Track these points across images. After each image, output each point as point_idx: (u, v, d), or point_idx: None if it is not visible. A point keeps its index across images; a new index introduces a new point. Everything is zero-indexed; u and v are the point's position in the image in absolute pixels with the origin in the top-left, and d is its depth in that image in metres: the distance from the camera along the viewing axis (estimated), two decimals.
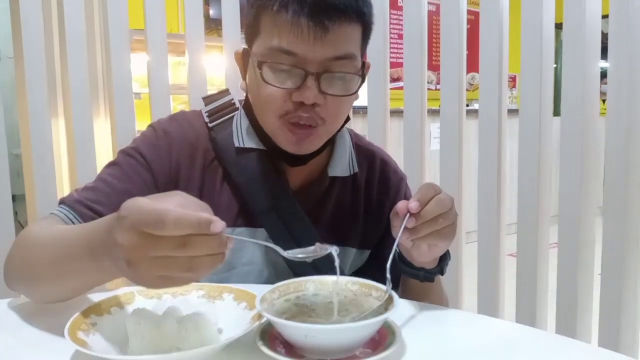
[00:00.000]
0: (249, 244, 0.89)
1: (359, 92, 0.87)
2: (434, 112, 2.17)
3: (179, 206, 0.54)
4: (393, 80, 4.02)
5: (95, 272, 0.64)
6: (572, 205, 1.47)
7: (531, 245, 1.56)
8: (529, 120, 1.56)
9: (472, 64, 1.85)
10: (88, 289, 0.72)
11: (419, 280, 0.84)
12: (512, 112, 1.81)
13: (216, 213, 0.84)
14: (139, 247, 0.52)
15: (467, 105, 1.79)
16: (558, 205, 1.51)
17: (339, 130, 0.92)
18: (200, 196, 0.86)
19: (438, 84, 1.85)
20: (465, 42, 1.69)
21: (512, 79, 4.67)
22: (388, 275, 0.68)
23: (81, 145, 1.67)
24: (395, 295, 0.64)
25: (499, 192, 1.63)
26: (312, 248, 0.65)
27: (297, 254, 0.65)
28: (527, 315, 1.58)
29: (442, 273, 0.85)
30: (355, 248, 0.98)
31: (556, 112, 1.60)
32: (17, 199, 2.06)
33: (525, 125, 1.57)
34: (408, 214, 0.71)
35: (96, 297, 0.72)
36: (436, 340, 0.68)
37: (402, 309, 0.76)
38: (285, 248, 0.86)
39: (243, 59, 0.90)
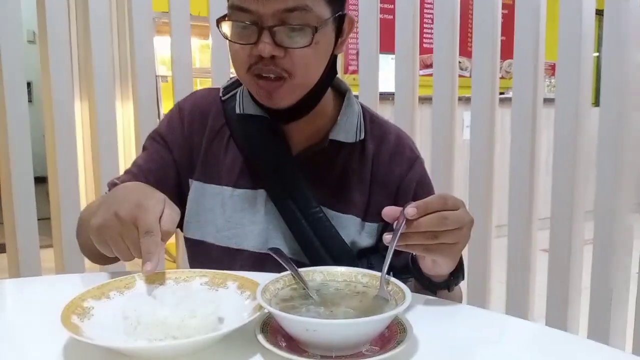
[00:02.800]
0: (249, 204, 0.93)
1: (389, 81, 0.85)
2: (467, 100, 2.09)
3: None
4: (426, 66, 3.91)
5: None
6: (608, 200, 1.39)
7: (564, 241, 1.48)
8: (565, 110, 1.48)
9: (509, 51, 1.76)
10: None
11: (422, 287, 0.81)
12: (549, 101, 1.72)
13: (221, 172, 0.96)
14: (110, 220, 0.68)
15: (502, 94, 1.71)
16: (594, 200, 1.43)
17: (325, 84, 0.91)
18: (208, 157, 0.96)
19: None
20: (499, 27, 1.60)
21: (551, 67, 4.50)
22: (383, 280, 0.64)
23: (104, 128, 1.66)
24: (407, 290, 0.60)
25: (531, 184, 1.56)
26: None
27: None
28: (558, 313, 1.50)
29: (448, 289, 0.81)
30: (359, 217, 0.94)
31: (596, 103, 1.51)
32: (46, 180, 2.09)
33: (561, 115, 1.49)
34: (404, 220, 0.66)
35: (99, 280, 0.70)
36: (450, 339, 0.63)
37: (415, 305, 0.71)
38: (285, 209, 0.92)
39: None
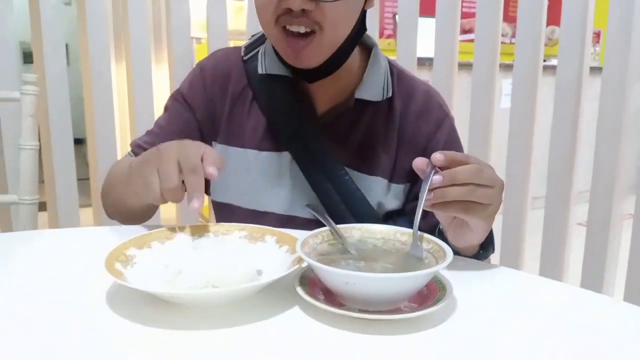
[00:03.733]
0: (274, 166, 0.92)
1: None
2: (507, 67, 2.03)
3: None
4: (465, 32, 3.80)
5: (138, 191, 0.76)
6: None
7: (604, 215, 1.44)
8: (612, 80, 1.42)
9: (553, 16, 1.70)
10: (142, 209, 0.88)
11: None
12: (594, 70, 1.66)
13: (244, 135, 0.93)
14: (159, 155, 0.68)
15: (544, 61, 1.65)
16: (637, 173, 1.38)
17: (354, 40, 0.87)
18: (230, 119, 0.94)
19: (513, 37, 1.71)
20: None
21: (596, 35, 4.32)
22: (415, 232, 0.62)
23: (140, 89, 1.67)
24: (448, 249, 0.59)
25: (572, 156, 1.51)
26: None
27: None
28: (594, 288, 1.47)
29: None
30: (385, 179, 0.92)
31: None
32: (85, 142, 2.13)
33: (607, 85, 1.43)
34: (432, 170, 0.62)
35: (138, 232, 0.71)
36: (488, 299, 0.62)
37: (453, 265, 0.70)
38: (310, 172, 0.91)
39: None
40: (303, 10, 0.76)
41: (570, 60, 1.49)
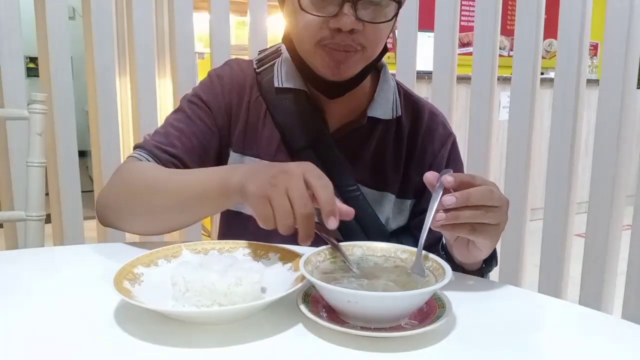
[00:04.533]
0: None
1: (427, 59, 0.83)
2: (505, 80, 2.06)
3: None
4: (463, 45, 3.83)
5: (218, 205, 0.77)
6: None
7: (602, 226, 1.45)
8: (609, 92, 1.44)
9: (551, 29, 1.72)
10: (195, 221, 0.82)
11: None
12: (591, 82, 1.67)
13: (258, 145, 0.93)
14: (275, 178, 0.63)
15: (542, 74, 1.67)
16: (636, 184, 1.40)
17: (377, 61, 0.90)
18: (246, 129, 0.94)
19: (511, 49, 1.73)
20: (544, 5, 1.56)
21: (593, 47, 4.36)
22: (420, 249, 0.63)
23: (144, 103, 1.70)
24: (447, 267, 0.60)
25: (570, 167, 1.53)
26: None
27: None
28: (592, 300, 1.48)
29: (482, 277, 0.80)
30: (394, 195, 0.95)
31: None
32: (89, 155, 2.15)
33: (605, 96, 1.45)
34: (441, 190, 0.63)
35: (146, 249, 0.73)
36: (489, 316, 0.64)
37: (454, 282, 0.72)
38: None
39: None
40: (350, 31, 0.79)
41: (568, 72, 1.51)
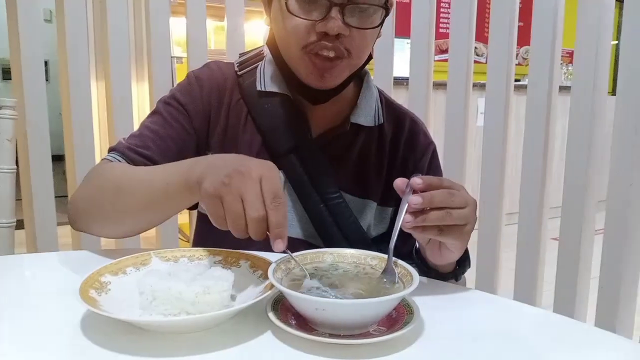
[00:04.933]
0: None
1: (403, 65, 0.84)
2: (482, 87, 2.08)
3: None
4: (442, 51, 3.86)
5: (184, 200, 0.72)
6: (622, 191, 1.38)
7: (575, 231, 1.48)
8: (581, 99, 1.47)
9: (527, 37, 1.75)
10: (166, 218, 0.80)
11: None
12: (566, 89, 1.70)
13: (239, 150, 0.91)
14: (230, 177, 0.60)
15: (519, 81, 1.69)
16: (607, 189, 1.42)
17: (361, 68, 0.90)
18: (225, 133, 0.92)
19: None
20: (517, 13, 1.59)
21: (569, 54, 4.45)
22: (390, 254, 0.65)
23: (119, 107, 1.68)
24: (415, 273, 0.61)
25: (544, 172, 1.55)
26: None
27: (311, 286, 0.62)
28: (566, 302, 1.51)
29: (456, 279, 0.80)
30: (376, 203, 0.95)
31: (613, 92, 1.49)
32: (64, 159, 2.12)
33: (576, 103, 1.47)
34: (410, 193, 0.65)
35: (115, 257, 0.72)
36: (457, 322, 0.64)
37: (424, 289, 0.72)
38: (303, 191, 0.90)
39: None
40: (337, 35, 0.79)
41: (540, 78, 1.54)
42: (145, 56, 2.37)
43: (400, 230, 0.65)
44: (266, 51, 0.95)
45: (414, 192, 0.65)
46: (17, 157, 1.66)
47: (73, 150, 1.66)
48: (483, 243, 1.66)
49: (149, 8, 1.68)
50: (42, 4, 1.63)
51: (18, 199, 1.74)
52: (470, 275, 1.72)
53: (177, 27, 2.24)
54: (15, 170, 1.10)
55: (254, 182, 0.60)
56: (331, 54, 0.81)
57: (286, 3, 0.80)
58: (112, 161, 0.86)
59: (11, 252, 1.09)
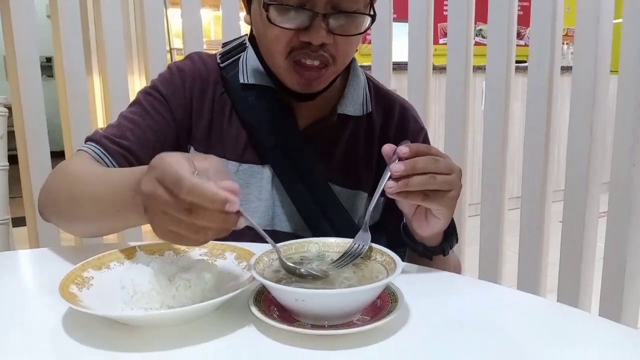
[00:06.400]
0: (255, 180, 0.90)
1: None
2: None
3: (212, 172, 0.55)
4: (446, 35, 3.81)
5: (132, 215, 0.64)
6: (625, 172, 1.35)
7: (579, 213, 1.45)
8: (583, 79, 1.44)
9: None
10: (124, 227, 0.75)
11: (417, 254, 0.79)
12: (569, 69, 1.67)
13: (225, 145, 0.89)
14: (156, 199, 0.54)
15: (525, 62, 1.66)
16: (610, 171, 1.40)
17: (348, 66, 0.88)
18: (210, 128, 0.90)
19: None
20: None
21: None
22: (366, 219, 0.66)
23: (116, 100, 1.67)
24: (398, 260, 0.59)
25: (546, 155, 1.53)
26: (313, 265, 0.61)
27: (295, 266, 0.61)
28: (571, 285, 1.49)
29: (444, 253, 0.79)
30: (367, 193, 0.93)
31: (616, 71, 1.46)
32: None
33: (578, 83, 1.44)
34: (396, 159, 0.65)
35: (100, 250, 0.71)
36: (442, 308, 0.63)
37: (409, 275, 0.71)
38: (291, 186, 0.88)
39: None
40: (321, 44, 0.77)
41: (541, 59, 1.51)
42: (135, 50, 2.36)
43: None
44: (248, 43, 0.93)
45: (400, 160, 0.65)
46: (16, 154, 1.67)
47: (71, 145, 1.67)
48: (486, 228, 1.64)
49: (142, 1, 1.67)
50: (39, 0, 1.63)
51: (19, 195, 1.75)
52: (473, 260, 1.72)
53: (178, 18, 2.23)
54: (7, 168, 1.10)
55: (162, 194, 0.53)
56: (316, 63, 0.80)
57: (267, 15, 0.77)
58: (88, 152, 0.83)
59: (6, 249, 1.09)
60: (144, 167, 0.59)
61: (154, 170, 0.55)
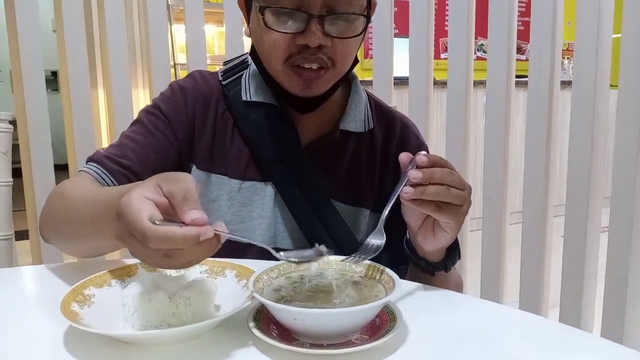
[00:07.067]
0: (258, 197, 0.89)
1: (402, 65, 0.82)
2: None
3: (179, 197, 0.53)
4: (447, 49, 3.83)
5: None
6: (626, 187, 1.36)
7: (580, 228, 1.45)
8: (582, 93, 1.44)
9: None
10: (119, 247, 0.72)
11: (419, 270, 0.79)
12: (569, 84, 1.68)
13: (227, 163, 0.89)
14: (132, 247, 0.54)
15: (526, 77, 1.66)
16: (611, 185, 1.40)
17: (348, 72, 0.89)
18: (212, 146, 0.90)
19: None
20: (516, 7, 1.57)
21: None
22: (381, 225, 0.67)
23: (120, 114, 1.69)
24: (397, 279, 0.60)
25: (547, 169, 1.53)
26: (309, 252, 0.61)
27: (291, 256, 0.61)
28: (573, 301, 1.48)
29: (446, 269, 0.79)
30: (369, 210, 0.93)
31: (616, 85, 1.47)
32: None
33: (578, 98, 1.45)
34: (414, 167, 0.67)
35: (102, 268, 0.72)
36: (441, 327, 0.63)
37: (410, 294, 0.71)
38: (294, 203, 0.87)
39: (245, 4, 0.87)
40: (318, 46, 0.78)
41: (541, 73, 1.52)
42: (139, 64, 2.38)
43: (391, 224, 0.66)
44: (250, 60, 0.94)
45: (416, 168, 0.67)
46: (20, 167, 1.68)
47: (75, 158, 1.68)
48: (487, 242, 1.64)
49: (147, 15, 1.69)
50: (50, 14, 1.64)
51: (23, 209, 1.76)
52: (475, 274, 1.71)
53: (182, 34, 2.25)
54: (10, 183, 1.11)
55: (136, 244, 0.53)
56: (314, 66, 0.80)
57: (263, 18, 0.78)
58: (89, 173, 0.83)
59: (9, 264, 1.10)
60: (123, 190, 0.58)
61: (121, 218, 0.53)
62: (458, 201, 0.68)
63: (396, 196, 0.67)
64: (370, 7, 0.83)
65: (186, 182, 0.55)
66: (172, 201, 0.54)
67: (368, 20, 0.82)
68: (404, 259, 0.80)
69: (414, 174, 0.66)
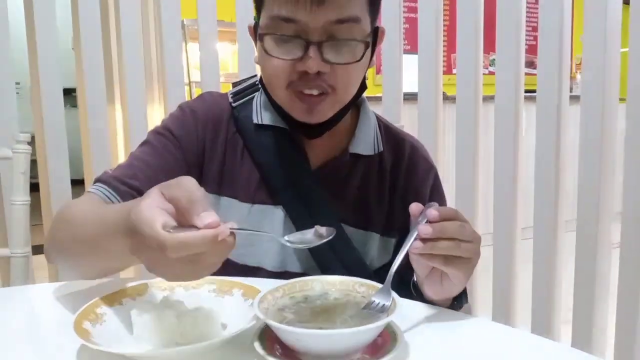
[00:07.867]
0: (268, 221, 0.89)
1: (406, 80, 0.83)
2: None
3: (184, 200, 0.54)
4: None
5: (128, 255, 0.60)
6: (637, 202, 1.35)
7: (591, 244, 1.45)
8: (591, 108, 1.45)
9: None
10: (125, 267, 0.75)
11: None
12: (577, 98, 1.68)
13: (237, 186, 0.89)
14: (157, 261, 0.54)
15: (534, 92, 1.67)
16: (622, 200, 1.39)
17: (356, 98, 0.89)
18: (222, 169, 0.89)
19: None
20: (524, 22, 1.58)
21: None
22: (388, 284, 0.64)
23: (136, 131, 1.73)
24: (398, 299, 0.61)
25: (557, 184, 1.53)
26: (310, 231, 0.63)
27: (296, 241, 0.63)
28: (584, 319, 1.47)
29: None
30: (378, 234, 0.93)
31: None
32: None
33: (586, 113, 1.45)
34: (424, 220, 0.66)
35: (113, 286, 0.74)
36: (442, 346, 0.64)
37: (414, 314, 0.72)
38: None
39: (255, 32, 0.88)
40: (318, 73, 0.78)
41: (549, 88, 1.52)
42: (155, 81, 2.42)
43: (400, 262, 0.66)
44: (260, 84, 0.95)
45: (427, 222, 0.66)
46: (37, 182, 1.73)
47: (91, 175, 1.71)
48: (499, 259, 1.64)
49: (162, 33, 1.73)
50: (64, 32, 1.68)
51: (40, 223, 1.80)
52: (486, 292, 1.70)
53: (196, 52, 2.29)
54: (28, 202, 1.15)
55: (161, 257, 0.52)
56: (314, 92, 0.80)
57: (263, 45, 0.79)
58: (96, 193, 0.83)
59: (26, 281, 1.13)
60: (128, 206, 0.57)
61: (136, 233, 0.53)
62: (468, 254, 0.67)
63: (405, 251, 0.66)
64: (377, 35, 0.83)
65: (187, 185, 0.55)
66: (178, 205, 0.54)
67: (372, 48, 0.82)
68: (409, 280, 0.80)
69: (424, 230, 0.65)
